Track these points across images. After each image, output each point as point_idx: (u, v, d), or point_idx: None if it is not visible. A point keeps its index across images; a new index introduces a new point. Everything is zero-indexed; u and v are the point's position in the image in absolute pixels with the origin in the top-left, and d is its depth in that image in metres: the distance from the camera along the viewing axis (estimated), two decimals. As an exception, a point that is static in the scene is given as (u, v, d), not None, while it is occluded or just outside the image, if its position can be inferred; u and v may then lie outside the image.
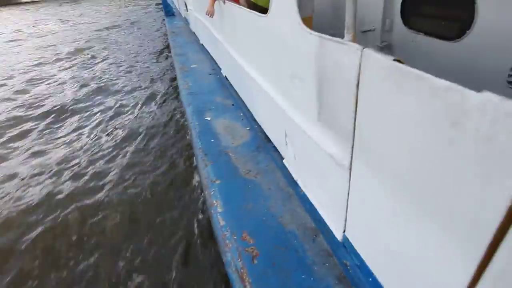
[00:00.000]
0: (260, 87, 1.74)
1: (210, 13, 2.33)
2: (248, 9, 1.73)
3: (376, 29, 2.17)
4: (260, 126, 2.02)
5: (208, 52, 3.92)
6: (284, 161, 1.63)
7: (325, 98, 1.06)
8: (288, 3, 1.18)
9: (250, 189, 1.56)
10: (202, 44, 4.38)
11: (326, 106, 1.07)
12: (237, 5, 1.95)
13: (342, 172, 0.99)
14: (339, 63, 0.91)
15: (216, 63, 3.39)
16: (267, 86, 1.66)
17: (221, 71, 3.06)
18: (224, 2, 2.10)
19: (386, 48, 2.15)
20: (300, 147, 1.37)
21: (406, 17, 1.99)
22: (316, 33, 1.03)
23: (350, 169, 0.95)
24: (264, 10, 2.07)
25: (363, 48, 0.79)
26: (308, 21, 1.12)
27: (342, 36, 0.92)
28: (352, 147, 0.92)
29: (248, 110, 2.23)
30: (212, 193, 1.57)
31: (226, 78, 2.88)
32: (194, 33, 5.16)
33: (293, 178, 1.52)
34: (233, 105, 2.52)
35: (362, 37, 2.28)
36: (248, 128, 2.11)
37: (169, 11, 8.59)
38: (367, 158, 0.86)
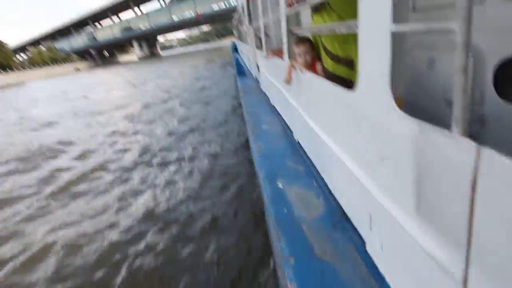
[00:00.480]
0: (340, 161, 1.68)
1: (288, 81, 2.44)
2: (331, 82, 1.74)
3: None
4: (336, 200, 1.92)
5: (279, 113, 4.05)
6: (366, 247, 1.49)
7: (425, 190, 0.95)
8: (381, 83, 1.12)
9: (327, 275, 1.44)
10: (273, 105, 4.57)
11: (427, 199, 0.96)
12: (316, 76, 2.00)
13: (452, 282, 0.84)
14: (446, 158, 0.82)
15: (287, 125, 3.47)
16: (348, 161, 1.59)
17: (293, 135, 3.10)
18: (302, 71, 2.18)
19: (478, 122, 1.93)
20: (390, 238, 1.24)
21: (502, 87, 1.76)
22: (414, 119, 0.96)
23: (465, 281, 0.80)
24: (343, 80, 2.09)
25: (481, 147, 0.70)
26: (400, 102, 1.07)
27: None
28: (467, 256, 0.78)
29: (322, 179, 2.17)
30: (286, 273, 1.49)
31: (298, 143, 2.90)
32: (265, 93, 5.46)
33: (377, 269, 1.36)
34: (305, 171, 2.48)
35: (446, 106, 2.11)
36: (322, 200, 2.02)
37: (240, 71, 9.46)
38: (492, 274, 0.71)
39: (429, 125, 0.90)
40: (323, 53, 2.22)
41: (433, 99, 2.15)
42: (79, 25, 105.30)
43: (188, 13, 71.72)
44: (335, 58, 2.09)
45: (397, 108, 1.05)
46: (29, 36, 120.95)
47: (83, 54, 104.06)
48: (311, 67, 2.27)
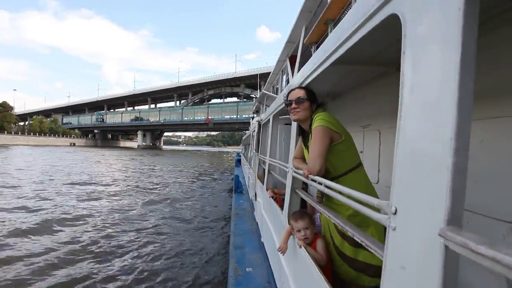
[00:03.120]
0: None
1: (283, 250, 2.20)
2: None
3: None
4: None
5: (267, 257, 3.72)
6: None
7: None
8: None
9: None
10: (262, 243, 4.26)
11: None
12: (315, 259, 1.73)
13: None
14: None
15: (274, 281, 3.10)
16: None
17: None
18: (300, 247, 1.97)
19: None
20: None
21: None
22: None
23: None
24: (366, 265, 1.73)
25: None
26: None
27: None
28: None
29: None
30: None
31: None
32: (257, 223, 5.18)
33: None
34: None
35: None
36: None
37: (238, 188, 9.37)
38: None
39: None
40: (335, 233, 1.90)
41: None
42: (94, 106, 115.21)
43: (199, 117, 78.56)
44: (352, 240, 1.76)
45: None
46: (47, 106, 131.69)
47: (87, 131, 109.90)
48: (311, 243, 2.00)
